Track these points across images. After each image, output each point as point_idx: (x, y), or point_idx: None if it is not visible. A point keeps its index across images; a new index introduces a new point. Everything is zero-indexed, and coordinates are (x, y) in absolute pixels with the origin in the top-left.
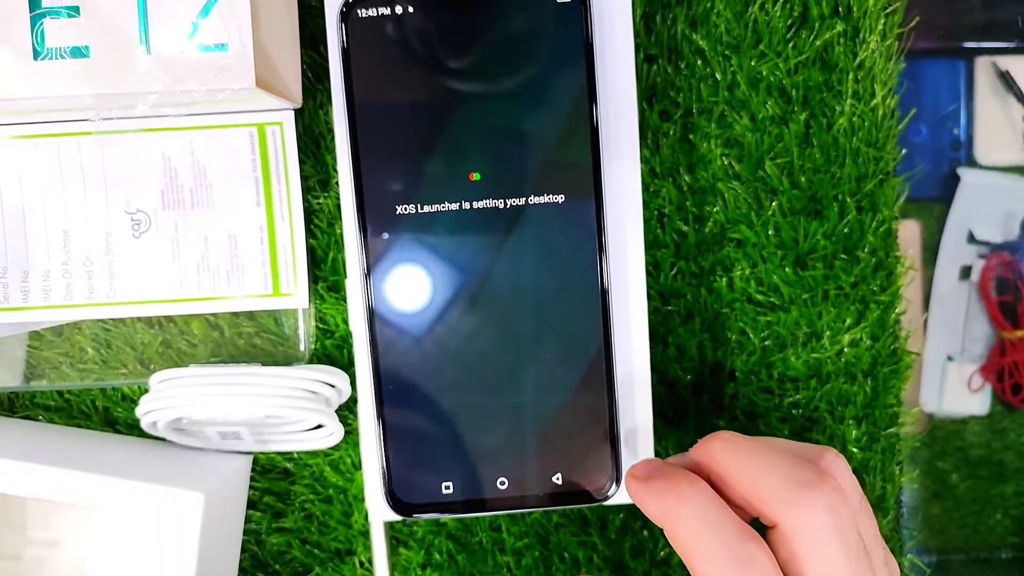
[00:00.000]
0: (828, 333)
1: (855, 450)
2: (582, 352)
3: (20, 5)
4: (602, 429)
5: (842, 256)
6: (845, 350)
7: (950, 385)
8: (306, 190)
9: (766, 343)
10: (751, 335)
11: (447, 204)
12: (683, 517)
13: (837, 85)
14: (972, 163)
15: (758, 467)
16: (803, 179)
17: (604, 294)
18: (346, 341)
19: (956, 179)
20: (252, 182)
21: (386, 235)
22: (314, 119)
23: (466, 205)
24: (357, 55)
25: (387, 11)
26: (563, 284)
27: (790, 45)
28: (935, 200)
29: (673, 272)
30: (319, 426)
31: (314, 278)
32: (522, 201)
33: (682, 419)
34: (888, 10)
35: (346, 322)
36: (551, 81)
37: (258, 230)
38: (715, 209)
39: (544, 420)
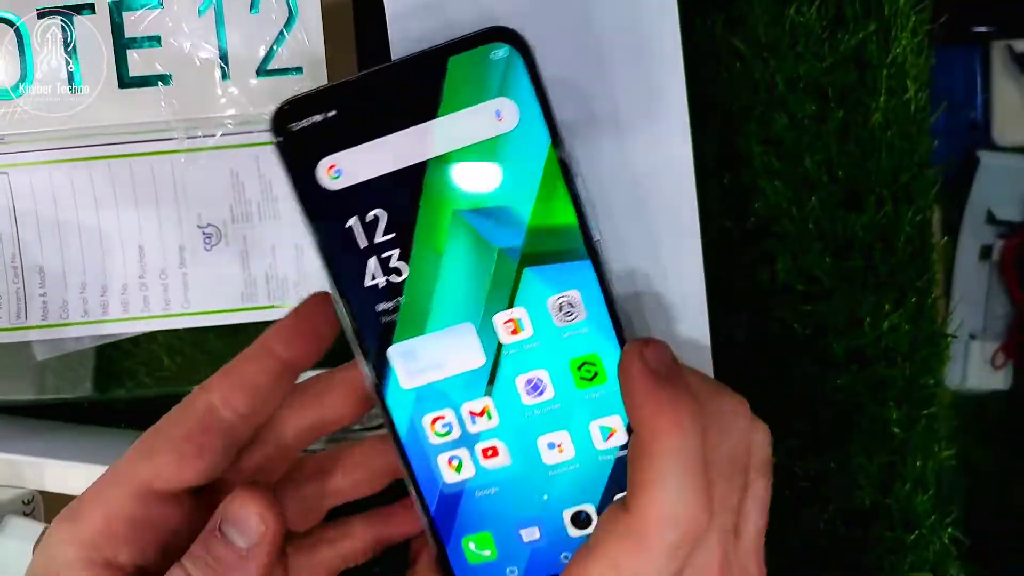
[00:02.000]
0: (868, 320)
1: (896, 431)
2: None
3: (106, 36)
4: None
5: (879, 246)
6: (884, 335)
7: (973, 363)
8: None
9: (808, 331)
10: (794, 323)
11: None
12: (683, 448)
13: (871, 82)
14: (990, 145)
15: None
16: (841, 173)
17: None
18: None
19: (975, 161)
20: None
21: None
22: None
23: None
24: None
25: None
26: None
27: (826, 45)
28: (954, 182)
29: (717, 266)
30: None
31: None
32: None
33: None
34: (918, 7)
35: None
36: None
37: None
38: (757, 205)
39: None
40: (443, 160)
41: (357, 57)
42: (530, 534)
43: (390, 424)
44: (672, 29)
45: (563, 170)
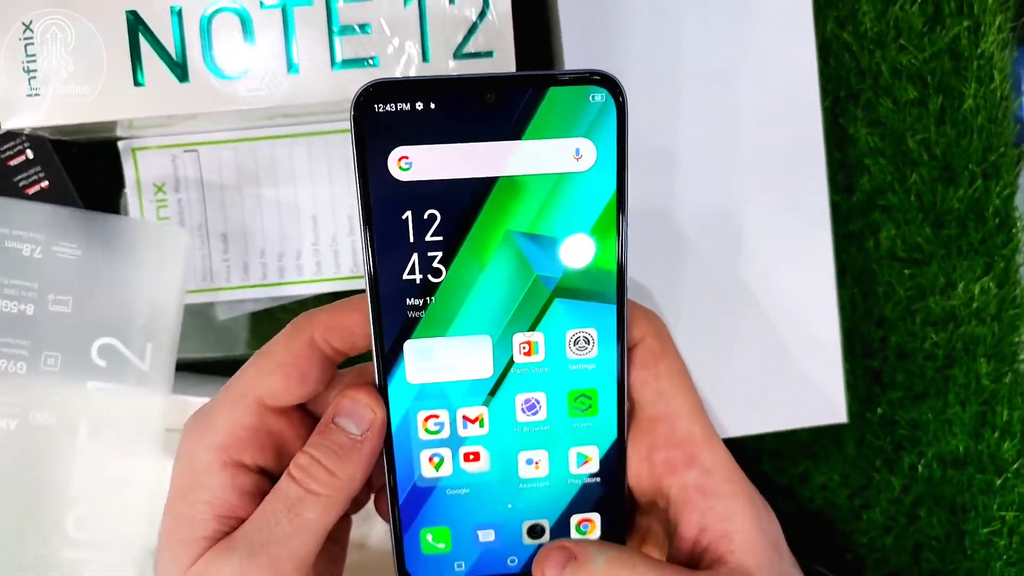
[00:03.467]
0: (961, 283)
1: (987, 383)
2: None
3: (321, 24)
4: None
5: (972, 217)
6: (976, 297)
7: None
8: None
9: (910, 293)
10: (896, 286)
11: None
12: None
13: (963, 72)
14: None
15: None
16: (938, 152)
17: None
18: None
19: None
20: None
21: None
22: None
23: None
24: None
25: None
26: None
27: (925, 38)
28: None
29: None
30: None
31: None
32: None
33: (843, 359)
34: (1004, 6)
35: None
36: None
37: None
38: (863, 180)
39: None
40: (514, 181)
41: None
42: (486, 535)
43: (386, 412)
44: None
45: (618, 221)
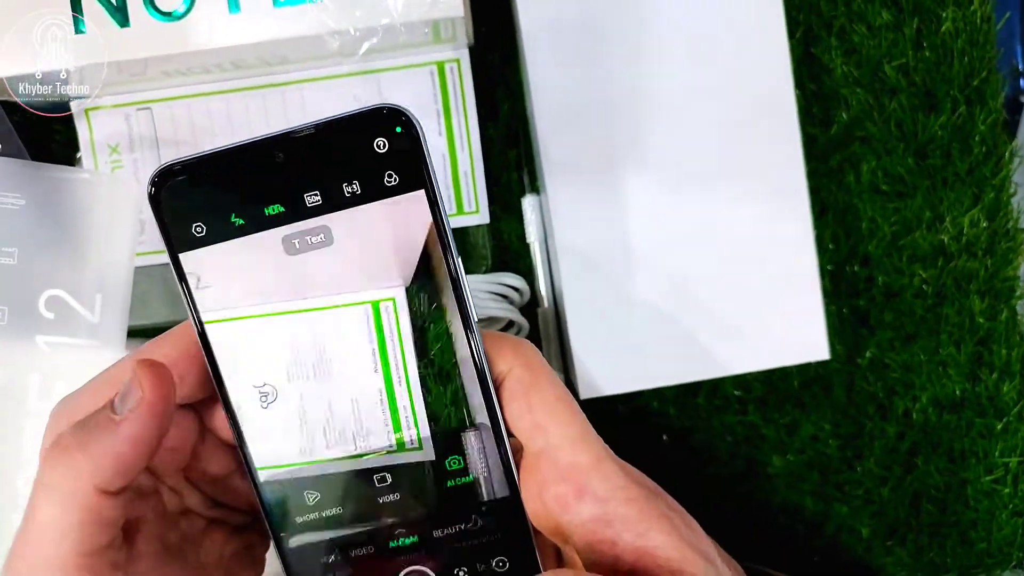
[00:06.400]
0: (949, 216)
1: (981, 320)
2: None
3: None
4: None
5: (956, 145)
6: (965, 230)
7: None
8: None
9: (895, 228)
10: (880, 222)
11: None
12: None
13: None
14: None
15: None
16: (918, 78)
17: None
18: (520, 253)
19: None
20: (434, 115)
21: None
22: (481, 57)
23: None
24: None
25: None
26: None
27: None
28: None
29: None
30: (510, 324)
31: (490, 197)
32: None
33: (828, 301)
34: None
35: (520, 237)
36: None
37: (441, 158)
38: (840, 112)
39: None
40: None
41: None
42: None
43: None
44: None
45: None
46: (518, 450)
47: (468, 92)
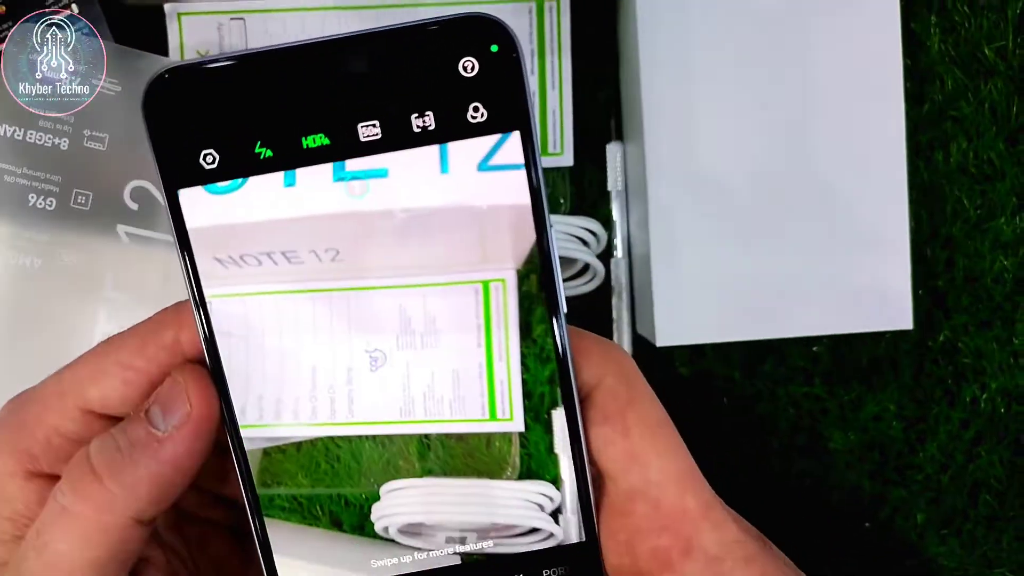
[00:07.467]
0: None
1: None
2: None
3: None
4: None
5: None
6: None
7: None
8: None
9: (980, 212)
10: (966, 204)
11: None
12: None
13: None
14: None
15: None
16: (1016, 62)
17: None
18: (597, 201)
19: None
20: (527, 54)
21: None
22: None
23: None
24: None
25: None
26: None
27: None
28: None
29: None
30: (586, 267)
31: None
32: None
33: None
34: None
35: (597, 184)
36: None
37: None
38: (934, 89)
39: None
40: None
41: None
42: None
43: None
44: None
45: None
46: (597, 481)
47: (565, 32)
